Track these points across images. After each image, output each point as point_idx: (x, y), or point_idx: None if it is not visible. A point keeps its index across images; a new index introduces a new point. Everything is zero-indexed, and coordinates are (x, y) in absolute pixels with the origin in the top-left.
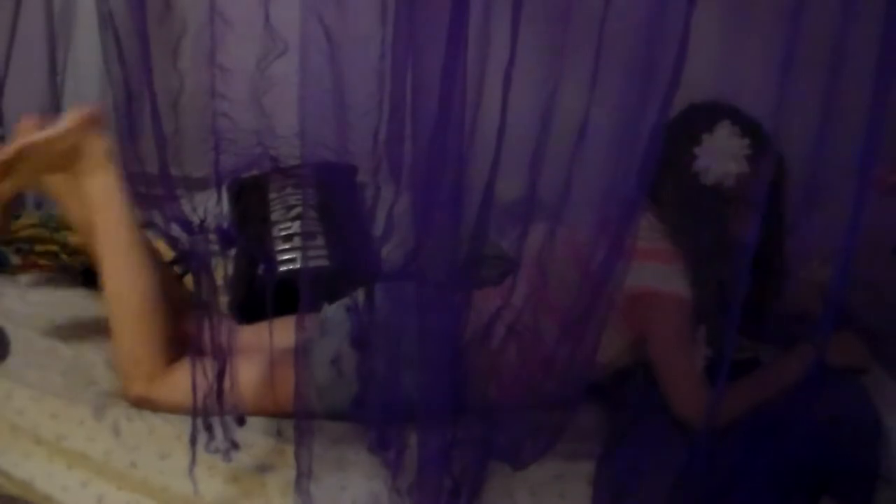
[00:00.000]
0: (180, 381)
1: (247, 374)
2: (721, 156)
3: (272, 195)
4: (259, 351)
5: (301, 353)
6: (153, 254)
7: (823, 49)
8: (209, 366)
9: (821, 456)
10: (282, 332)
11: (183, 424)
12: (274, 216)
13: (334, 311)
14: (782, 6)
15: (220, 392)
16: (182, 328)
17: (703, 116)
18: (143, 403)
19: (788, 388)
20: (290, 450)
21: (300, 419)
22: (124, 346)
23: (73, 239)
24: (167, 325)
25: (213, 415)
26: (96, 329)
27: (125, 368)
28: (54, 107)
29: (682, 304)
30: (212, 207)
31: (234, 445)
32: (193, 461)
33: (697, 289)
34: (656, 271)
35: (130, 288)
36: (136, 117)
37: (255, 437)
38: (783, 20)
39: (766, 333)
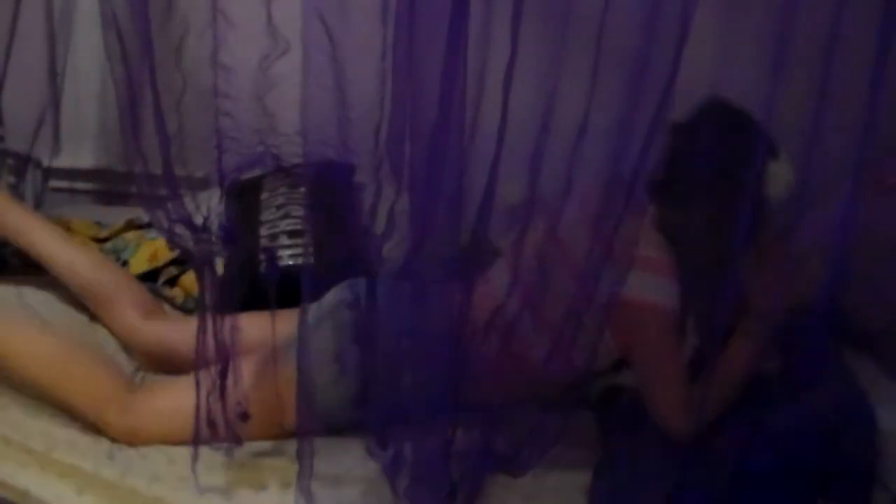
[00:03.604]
0: (160, 406)
1: (248, 380)
2: (777, 181)
3: (263, 195)
4: (260, 348)
5: (301, 345)
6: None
7: (818, 45)
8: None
9: (817, 459)
10: (278, 325)
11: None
12: (263, 216)
13: (331, 297)
14: (776, 3)
15: (223, 390)
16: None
17: (764, 137)
18: (129, 437)
19: (749, 368)
20: (290, 448)
21: (302, 414)
22: (78, 395)
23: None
24: (102, 351)
25: (215, 413)
26: (94, 332)
27: (92, 414)
28: (54, 107)
29: (664, 315)
30: (214, 206)
31: (237, 441)
32: (196, 457)
33: (688, 287)
34: (641, 280)
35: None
36: (139, 117)
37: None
38: (777, 15)
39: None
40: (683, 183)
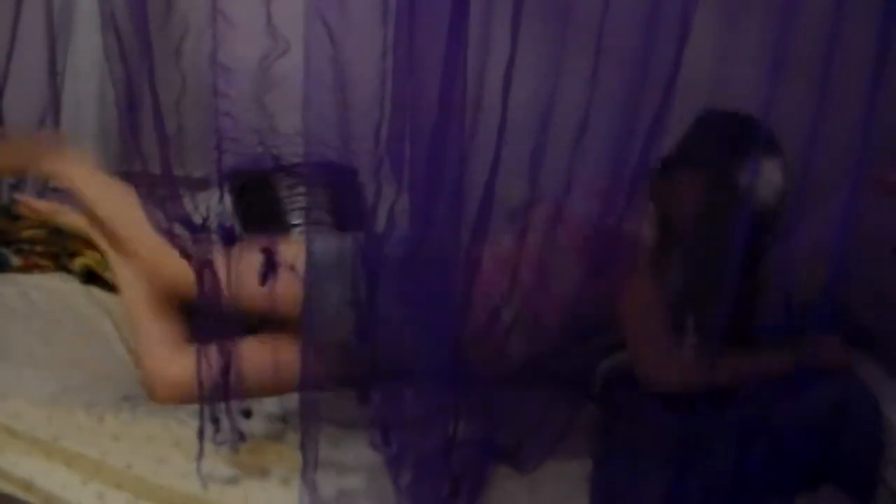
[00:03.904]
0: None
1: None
2: (767, 185)
3: (283, 193)
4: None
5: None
6: None
7: (818, 45)
8: (214, 359)
9: (818, 453)
10: None
11: (181, 431)
12: (291, 218)
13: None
14: (776, 3)
15: (225, 388)
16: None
17: (763, 139)
18: (156, 380)
19: (769, 377)
20: (294, 442)
21: (305, 408)
22: (150, 324)
23: (72, 244)
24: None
25: (218, 406)
26: (96, 331)
27: (149, 345)
28: (54, 107)
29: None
30: (214, 206)
31: (241, 437)
32: (201, 453)
33: (688, 278)
34: None
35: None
36: (138, 117)
37: (259, 429)
38: (777, 15)
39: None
40: (679, 159)
